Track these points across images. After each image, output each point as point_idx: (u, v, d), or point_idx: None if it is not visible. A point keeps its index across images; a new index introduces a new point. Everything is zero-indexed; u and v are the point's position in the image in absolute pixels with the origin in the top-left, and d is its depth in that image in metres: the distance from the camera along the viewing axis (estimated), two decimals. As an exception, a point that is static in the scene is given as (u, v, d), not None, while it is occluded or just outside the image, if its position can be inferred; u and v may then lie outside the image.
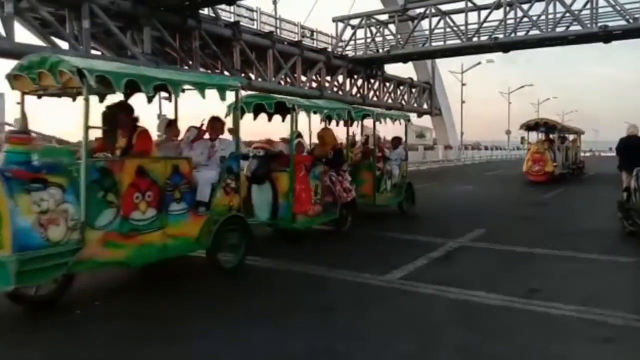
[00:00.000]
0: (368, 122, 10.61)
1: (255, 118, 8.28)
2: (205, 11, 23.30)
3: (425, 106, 42.69)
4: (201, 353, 3.83)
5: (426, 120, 46.78)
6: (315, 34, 31.71)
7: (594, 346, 4.01)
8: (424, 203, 13.51)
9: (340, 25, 33.14)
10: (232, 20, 24.82)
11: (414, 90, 40.90)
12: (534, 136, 22.85)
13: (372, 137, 10.19)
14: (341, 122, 9.17)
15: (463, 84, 48.55)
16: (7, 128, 20.46)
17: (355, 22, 32.95)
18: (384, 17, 33.02)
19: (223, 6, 23.92)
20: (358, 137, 10.78)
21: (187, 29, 22.39)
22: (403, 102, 39.34)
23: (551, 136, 20.88)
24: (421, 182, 20.11)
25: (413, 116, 43.40)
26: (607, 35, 26.43)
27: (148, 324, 4.37)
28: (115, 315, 4.56)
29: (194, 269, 6.20)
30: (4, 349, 3.91)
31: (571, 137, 25.19)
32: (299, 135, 8.07)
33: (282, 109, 8.06)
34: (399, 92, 38.72)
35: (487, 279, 5.78)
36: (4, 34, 17.18)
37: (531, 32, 27.94)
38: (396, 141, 11.23)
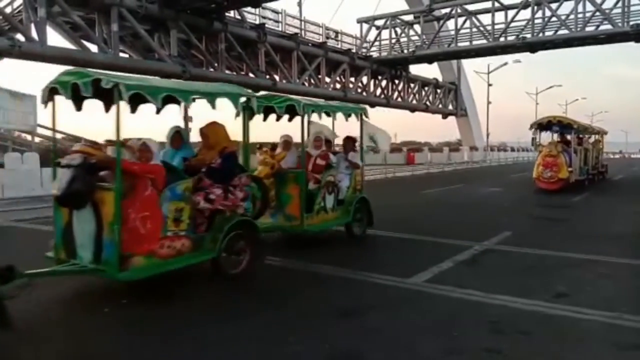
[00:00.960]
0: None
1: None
2: (231, 14, 23.53)
3: (450, 107, 42.33)
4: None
5: (451, 122, 46.41)
6: (339, 35, 31.72)
7: (623, 353, 3.94)
8: (449, 205, 13.41)
9: (365, 26, 33.10)
10: (257, 22, 25.02)
11: (439, 91, 40.59)
12: (547, 137, 19.75)
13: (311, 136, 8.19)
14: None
15: (489, 85, 48.03)
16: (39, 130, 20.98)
17: (380, 22, 32.88)
18: (409, 18, 32.86)
19: (248, 8, 24.13)
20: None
21: (213, 31, 22.66)
22: (428, 102, 39.08)
23: (567, 137, 18.21)
24: (447, 184, 19.99)
25: (416, 116, 43.04)
26: (639, 34, 25.80)
27: (166, 332, 4.45)
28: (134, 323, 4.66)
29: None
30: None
31: (592, 138, 22.26)
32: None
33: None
34: (423, 93, 38.47)
35: (513, 282, 5.72)
36: (36, 37, 17.65)
37: (560, 32, 27.49)
38: (349, 143, 8.50)
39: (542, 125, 18.00)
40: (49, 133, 22.63)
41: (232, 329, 4.35)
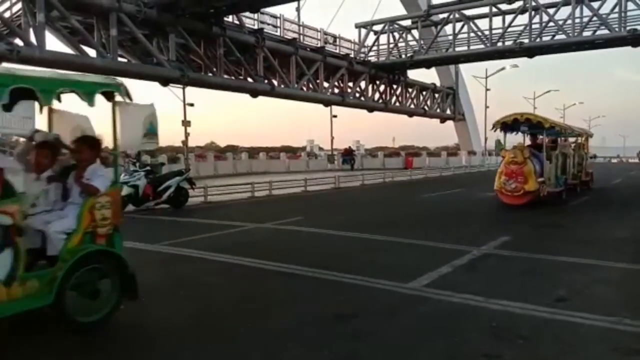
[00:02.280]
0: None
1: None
2: (230, 18, 23.61)
3: (448, 111, 42.44)
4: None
5: (449, 126, 46.51)
6: (338, 40, 31.83)
7: (623, 358, 3.93)
8: (448, 209, 13.42)
9: (363, 31, 33.27)
10: (255, 27, 25.11)
11: (436, 95, 40.73)
12: (516, 139, 16.20)
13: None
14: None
15: (487, 89, 48.13)
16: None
17: (378, 27, 33.04)
18: (407, 23, 33.04)
19: (247, 13, 24.22)
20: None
21: (212, 36, 22.73)
22: (426, 107, 39.18)
23: (540, 139, 15.14)
24: (446, 188, 20.02)
25: (414, 120, 43.05)
26: (636, 39, 25.97)
27: None
28: None
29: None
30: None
31: (580, 141, 19.01)
32: None
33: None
34: (421, 97, 38.57)
35: (512, 287, 5.71)
36: (35, 42, 17.66)
37: (557, 37, 27.66)
38: (83, 146, 4.73)
39: (508, 125, 14.38)
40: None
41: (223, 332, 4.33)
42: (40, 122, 5.22)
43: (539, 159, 13.79)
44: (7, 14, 19.33)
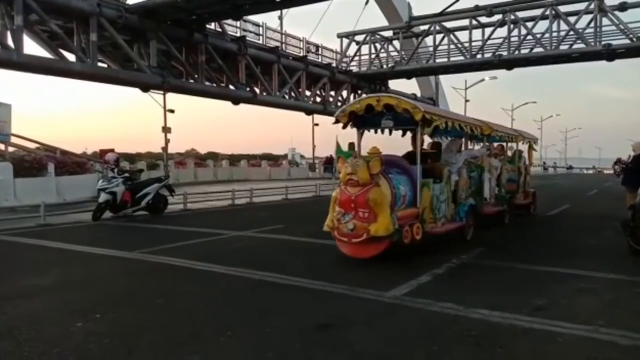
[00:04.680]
0: None
1: None
2: (212, 25, 23.54)
3: (428, 122, 42.78)
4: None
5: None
6: (320, 49, 31.96)
7: (600, 366, 3.97)
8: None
9: (345, 41, 33.44)
10: (238, 34, 25.07)
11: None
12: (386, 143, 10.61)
13: None
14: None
15: (467, 100, 48.75)
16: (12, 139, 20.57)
17: (360, 38, 33.26)
18: (388, 34, 33.31)
19: (229, 21, 24.18)
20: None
21: (194, 43, 22.64)
22: (407, 117, 39.45)
23: (427, 141, 10.62)
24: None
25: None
26: (610, 54, 26.59)
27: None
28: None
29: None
30: None
31: (514, 148, 14.28)
32: None
33: None
34: (402, 107, 38.84)
35: (491, 296, 5.74)
36: (12, 46, 17.37)
37: (535, 50, 28.14)
38: None
39: (361, 118, 8.34)
40: (23, 142, 22.26)
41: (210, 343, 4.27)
42: None
43: (410, 177, 8.06)
44: (-16, 17, 18.97)
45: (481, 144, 12.13)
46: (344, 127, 8.44)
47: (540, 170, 74.21)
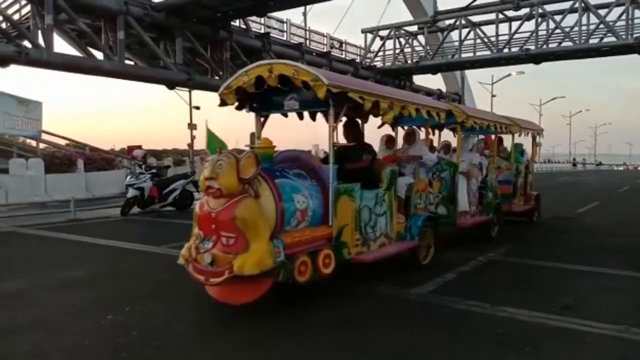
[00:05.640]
0: None
1: None
2: (236, 22, 23.70)
3: (454, 117, 42.35)
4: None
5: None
6: (344, 45, 31.88)
7: (631, 367, 3.90)
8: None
9: (369, 36, 33.29)
10: (262, 31, 25.18)
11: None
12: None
13: None
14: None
15: (493, 96, 48.08)
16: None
17: (384, 33, 33.08)
18: (413, 29, 33.05)
19: (254, 17, 24.30)
20: None
21: (219, 40, 22.82)
22: (431, 113, 39.13)
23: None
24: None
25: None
26: (642, 47, 25.89)
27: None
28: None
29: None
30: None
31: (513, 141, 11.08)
32: None
33: None
34: (427, 103, 38.54)
35: (518, 294, 5.68)
36: (43, 45, 17.78)
37: (564, 44, 27.61)
38: None
39: (261, 98, 6.08)
40: (54, 139, 22.78)
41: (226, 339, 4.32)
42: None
43: (321, 182, 5.58)
44: (16, 17, 19.46)
45: (475, 137, 10.70)
46: (238, 108, 6.13)
47: (569, 166, 72.90)
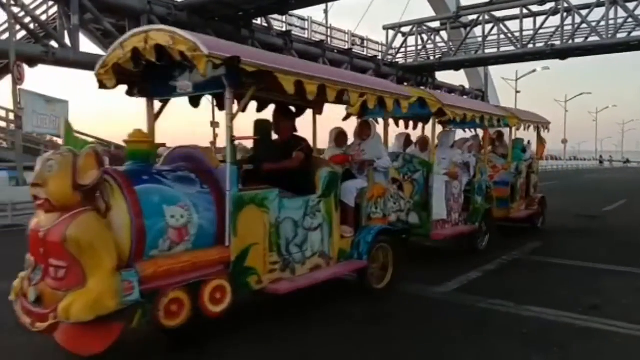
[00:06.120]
0: None
1: None
2: (258, 21, 23.80)
3: (477, 114, 41.88)
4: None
5: (478, 129, 45.88)
6: (365, 42, 31.77)
7: (661, 369, 3.82)
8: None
9: (391, 33, 33.09)
10: (284, 29, 25.24)
11: (465, 97, 40.25)
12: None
13: None
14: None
15: (517, 92, 47.41)
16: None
17: (406, 29, 32.86)
18: (435, 24, 32.74)
19: (275, 16, 24.36)
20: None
21: (241, 38, 22.90)
22: (454, 110, 38.78)
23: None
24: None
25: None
26: (672, 41, 25.23)
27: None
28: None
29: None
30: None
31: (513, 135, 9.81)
32: None
33: None
34: (450, 100, 38.21)
35: (543, 293, 5.60)
36: (69, 44, 18.11)
37: (590, 39, 27.06)
38: None
39: (150, 78, 4.71)
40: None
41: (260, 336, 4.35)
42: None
43: (216, 188, 4.18)
44: (43, 17, 19.86)
45: (469, 130, 9.52)
46: (128, 93, 4.90)
47: (595, 164, 71.58)
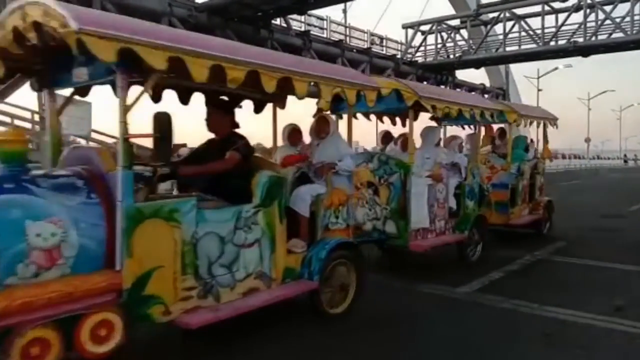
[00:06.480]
0: None
1: None
2: (277, 21, 23.89)
3: (497, 113, 41.44)
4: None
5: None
6: (384, 40, 31.67)
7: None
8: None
9: (410, 31, 32.93)
10: (302, 29, 25.30)
11: (486, 96, 39.85)
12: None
13: None
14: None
15: (539, 90, 46.81)
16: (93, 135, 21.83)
17: (425, 28, 32.68)
18: (455, 22, 32.49)
19: (294, 16, 24.43)
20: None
21: (260, 39, 23.00)
22: (474, 108, 38.44)
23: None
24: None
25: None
26: (700, 37, 24.64)
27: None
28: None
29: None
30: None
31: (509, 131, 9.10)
32: None
33: None
34: (470, 98, 37.90)
35: (567, 294, 5.52)
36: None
37: (614, 35, 26.56)
38: None
39: (48, 66, 3.96)
40: (102, 138, 23.56)
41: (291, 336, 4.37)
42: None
43: (106, 199, 3.44)
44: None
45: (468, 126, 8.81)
46: (34, 86, 4.14)
47: (620, 163, 70.28)
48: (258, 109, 5.21)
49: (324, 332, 4.39)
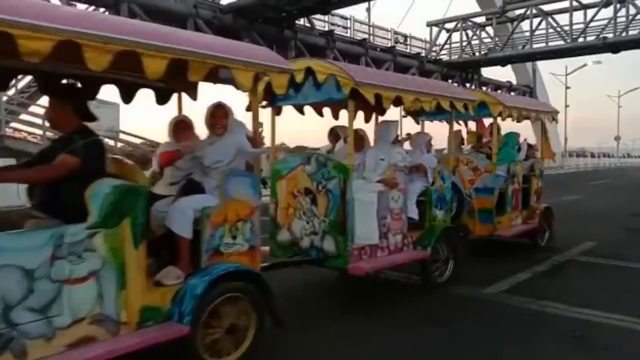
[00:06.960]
0: None
1: None
2: (301, 21, 23.99)
3: (524, 111, 40.86)
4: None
5: (526, 126, 44.81)
6: (408, 39, 31.50)
7: None
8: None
9: (435, 29, 32.70)
10: (326, 29, 25.35)
11: (512, 94, 39.33)
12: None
13: None
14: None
15: (567, 87, 45.96)
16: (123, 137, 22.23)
17: (450, 25, 32.42)
18: (481, 20, 32.16)
19: (318, 15, 24.50)
20: None
21: (284, 39, 23.17)
22: (500, 107, 37.97)
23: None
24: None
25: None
26: None
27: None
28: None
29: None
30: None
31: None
32: None
33: None
34: (496, 96, 37.46)
35: (594, 295, 5.43)
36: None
37: (645, 30, 25.94)
38: None
39: None
40: (130, 139, 23.99)
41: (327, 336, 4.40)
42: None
43: None
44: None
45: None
46: None
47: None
48: (161, 100, 4.37)
49: (358, 335, 4.40)
